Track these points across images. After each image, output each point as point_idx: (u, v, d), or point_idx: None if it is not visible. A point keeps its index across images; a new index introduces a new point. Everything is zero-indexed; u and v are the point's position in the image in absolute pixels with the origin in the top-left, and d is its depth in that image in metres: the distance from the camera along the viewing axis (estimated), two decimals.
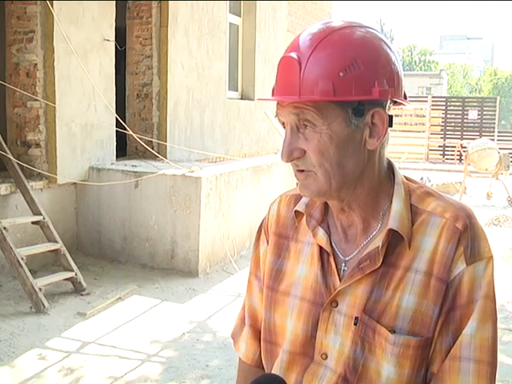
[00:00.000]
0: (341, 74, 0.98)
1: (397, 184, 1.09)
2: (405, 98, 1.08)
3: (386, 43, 1.04)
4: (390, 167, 1.12)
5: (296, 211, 1.17)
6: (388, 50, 1.03)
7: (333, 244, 1.12)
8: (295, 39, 1.04)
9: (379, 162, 1.08)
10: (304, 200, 1.16)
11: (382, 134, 1.03)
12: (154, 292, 5.12)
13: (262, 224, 1.27)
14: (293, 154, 1.03)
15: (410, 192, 1.10)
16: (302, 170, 1.05)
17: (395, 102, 1.07)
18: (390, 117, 1.05)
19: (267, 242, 1.23)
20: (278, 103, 1.05)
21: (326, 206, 1.14)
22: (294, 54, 1.01)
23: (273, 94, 1.06)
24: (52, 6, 5.37)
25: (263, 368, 1.23)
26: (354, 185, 1.06)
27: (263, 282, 1.22)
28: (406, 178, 1.13)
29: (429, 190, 1.11)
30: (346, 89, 0.98)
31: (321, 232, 1.12)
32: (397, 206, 1.06)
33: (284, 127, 1.06)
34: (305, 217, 1.15)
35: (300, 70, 0.99)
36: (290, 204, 1.21)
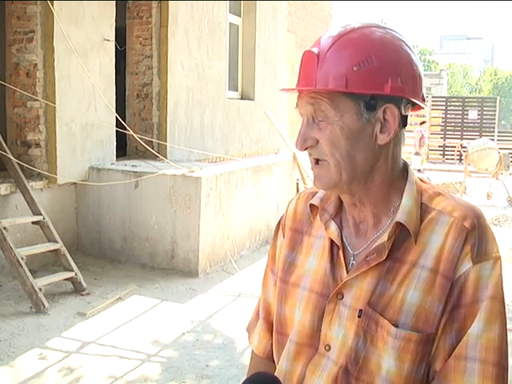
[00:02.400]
0: (354, 69, 1.02)
1: (409, 182, 1.11)
2: (423, 99, 1.10)
3: (406, 44, 1.07)
4: (405, 167, 1.14)
5: (311, 205, 1.20)
6: (409, 51, 1.07)
7: (343, 238, 1.14)
8: (318, 39, 1.10)
9: (392, 159, 1.10)
10: (319, 195, 1.19)
11: (392, 130, 1.06)
12: (153, 292, 5.12)
13: (280, 220, 1.31)
14: (306, 142, 1.08)
15: (422, 191, 1.12)
16: (317, 161, 1.09)
17: (414, 105, 1.10)
18: (405, 117, 1.08)
19: (283, 236, 1.26)
20: (298, 95, 1.10)
21: (340, 201, 1.17)
22: (314, 49, 1.06)
23: (296, 87, 1.11)
24: (52, 6, 5.37)
25: (274, 361, 1.25)
26: (365, 179, 1.08)
27: (277, 275, 1.24)
28: (420, 179, 1.15)
29: (440, 190, 1.13)
30: (359, 82, 1.02)
31: (333, 226, 1.15)
32: (406, 201, 1.09)
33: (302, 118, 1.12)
34: (319, 211, 1.18)
35: (318, 63, 1.04)
36: (307, 200, 1.24)
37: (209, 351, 4.00)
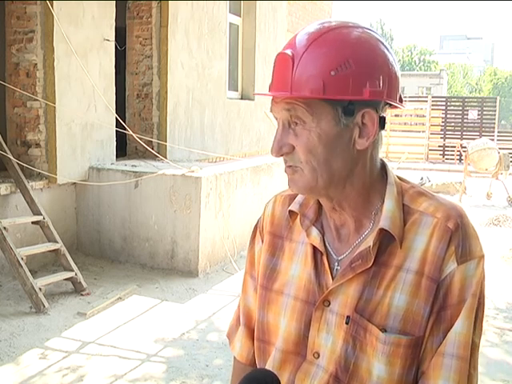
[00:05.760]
0: (332, 73, 0.98)
1: (389, 184, 1.09)
2: (400, 99, 1.08)
3: (383, 44, 1.04)
4: (383, 167, 1.12)
5: (290, 211, 1.17)
6: (385, 51, 1.03)
7: (326, 243, 1.13)
8: (292, 37, 1.06)
9: (371, 162, 1.08)
10: (298, 200, 1.17)
11: (371, 135, 1.04)
12: (153, 292, 5.12)
13: (257, 224, 1.28)
14: (282, 149, 1.05)
15: (403, 192, 1.10)
16: (291, 166, 1.06)
17: (390, 105, 1.07)
18: (383, 118, 1.05)
19: (262, 241, 1.24)
20: (272, 99, 1.06)
21: (319, 205, 1.15)
22: (288, 51, 1.02)
23: (269, 90, 1.07)
24: (52, 6, 5.37)
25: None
26: (343, 184, 1.06)
27: (257, 281, 1.22)
28: (399, 178, 1.13)
29: (421, 190, 1.11)
30: (337, 87, 0.99)
31: (314, 232, 1.13)
32: (389, 205, 1.07)
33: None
34: (299, 216, 1.16)
35: (293, 66, 1.00)
36: (284, 204, 1.22)
37: (209, 351, 4.00)
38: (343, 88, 0.99)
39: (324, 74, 0.98)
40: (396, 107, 1.09)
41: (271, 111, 1.07)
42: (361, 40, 1.02)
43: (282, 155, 1.06)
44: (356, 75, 0.99)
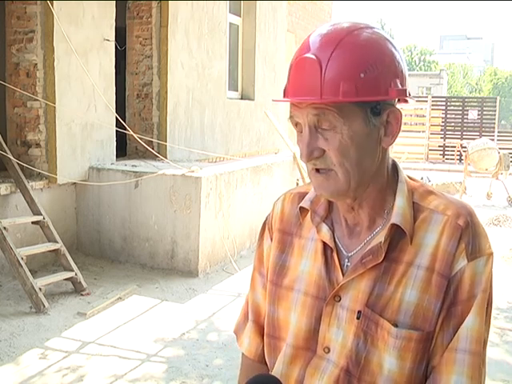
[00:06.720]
0: (362, 75, 1.00)
1: (400, 182, 1.12)
2: (409, 95, 1.11)
3: (390, 42, 1.07)
4: (394, 166, 1.15)
5: (301, 208, 1.19)
6: (393, 50, 1.06)
7: (336, 240, 1.14)
8: (305, 42, 1.06)
9: (387, 160, 1.12)
10: (309, 197, 1.18)
11: (396, 132, 1.07)
12: (153, 292, 5.12)
13: (265, 221, 1.29)
14: (313, 153, 1.05)
15: (413, 190, 1.12)
16: (319, 170, 1.06)
17: (399, 100, 1.10)
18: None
19: (271, 238, 1.25)
20: (294, 105, 1.06)
21: (330, 202, 1.17)
22: (312, 55, 1.02)
23: (285, 95, 1.07)
24: (52, 6, 5.37)
25: (265, 363, 1.24)
26: (368, 183, 1.08)
27: (266, 277, 1.24)
28: (409, 177, 1.16)
29: (430, 188, 1.14)
30: (367, 89, 1.01)
31: (324, 228, 1.15)
32: (400, 202, 1.09)
33: (295, 127, 1.08)
34: (309, 213, 1.17)
35: (321, 71, 1.00)
36: (294, 201, 1.23)
37: (209, 351, 4.00)
38: (373, 89, 1.01)
39: (354, 76, 1.00)
40: (405, 102, 1.12)
41: (292, 116, 1.07)
42: (379, 41, 1.05)
43: (312, 160, 1.06)
44: (382, 76, 1.02)
